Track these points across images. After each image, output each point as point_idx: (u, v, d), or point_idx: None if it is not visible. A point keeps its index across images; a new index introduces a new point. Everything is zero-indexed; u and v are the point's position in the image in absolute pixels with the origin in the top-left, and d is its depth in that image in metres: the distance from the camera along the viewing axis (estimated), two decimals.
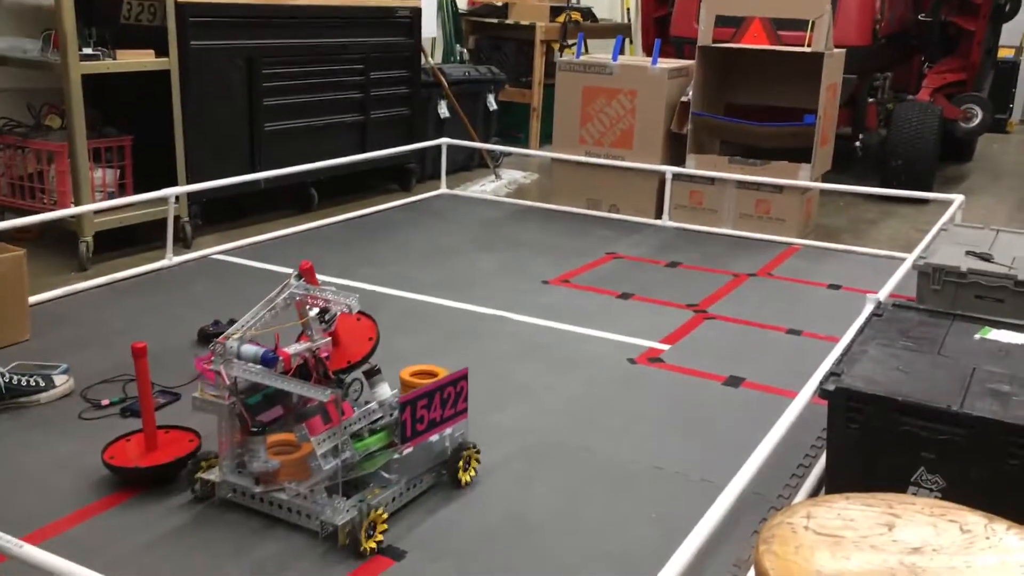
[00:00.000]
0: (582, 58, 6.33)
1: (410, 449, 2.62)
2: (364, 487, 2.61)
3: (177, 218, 4.92)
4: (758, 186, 5.82)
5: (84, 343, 3.76)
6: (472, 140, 7.19)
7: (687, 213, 6.02)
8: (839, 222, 6.36)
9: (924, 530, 1.68)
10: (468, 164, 7.57)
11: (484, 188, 7.01)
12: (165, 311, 4.15)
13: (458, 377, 2.71)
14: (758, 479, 2.60)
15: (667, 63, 6.17)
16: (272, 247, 5.20)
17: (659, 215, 6.06)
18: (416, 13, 6.58)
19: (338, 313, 2.62)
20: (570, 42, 8.37)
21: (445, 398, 2.66)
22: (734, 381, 3.64)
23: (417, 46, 6.67)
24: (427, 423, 2.62)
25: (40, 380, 3.24)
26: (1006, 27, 8.67)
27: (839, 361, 2.65)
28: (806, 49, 5.76)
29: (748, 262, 5.27)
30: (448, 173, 6.77)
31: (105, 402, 3.22)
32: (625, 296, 4.60)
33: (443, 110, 7.04)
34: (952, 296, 3.49)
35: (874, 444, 2.44)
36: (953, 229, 4.11)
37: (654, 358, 3.84)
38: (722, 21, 5.95)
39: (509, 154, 7.64)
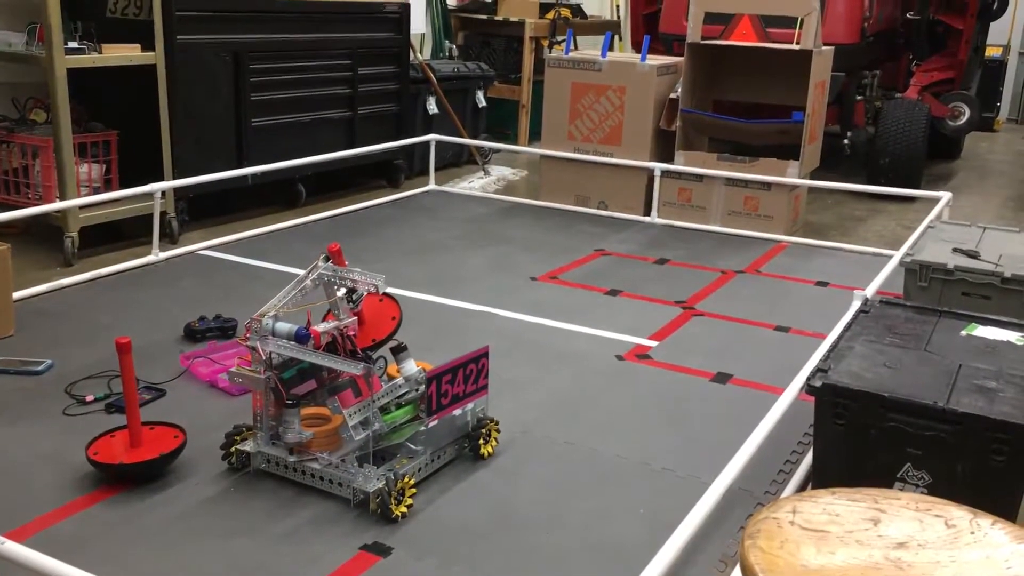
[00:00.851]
0: (571, 54, 6.32)
1: (435, 422, 2.76)
2: (391, 458, 2.75)
3: (163, 213, 4.89)
4: (746, 183, 5.83)
5: (69, 339, 3.73)
6: (461, 136, 7.18)
7: (675, 210, 6.02)
8: (827, 219, 6.37)
9: (909, 525, 1.68)
10: (457, 160, 7.56)
11: (472, 184, 7.00)
12: (151, 307, 4.13)
13: (480, 354, 2.85)
14: (745, 475, 2.61)
15: (656, 60, 6.17)
16: (259, 243, 5.18)
17: (647, 212, 6.06)
18: (405, 9, 6.56)
19: (365, 293, 2.73)
20: (559, 38, 8.36)
21: (468, 374, 2.82)
22: (722, 377, 3.64)
23: (406, 42, 6.65)
24: (451, 398, 2.77)
25: None
26: (993, 25, 8.71)
27: (826, 357, 2.65)
28: (795, 46, 5.77)
29: (736, 259, 5.28)
30: (436, 169, 6.76)
31: (89, 398, 3.20)
32: (613, 293, 4.59)
33: (432, 106, 7.03)
34: (939, 293, 3.50)
35: (861, 440, 2.44)
36: (940, 226, 4.12)
37: (642, 354, 3.83)
38: (711, 18, 5.95)
39: (498, 150, 7.63)
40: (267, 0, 5.56)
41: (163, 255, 4.78)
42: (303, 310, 2.73)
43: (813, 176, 6.21)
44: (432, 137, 6.64)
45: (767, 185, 5.79)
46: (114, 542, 2.46)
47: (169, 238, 5.01)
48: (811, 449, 2.69)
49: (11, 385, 3.31)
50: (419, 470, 2.75)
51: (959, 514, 1.71)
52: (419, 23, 7.94)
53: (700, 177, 5.93)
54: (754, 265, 5.19)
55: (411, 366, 2.82)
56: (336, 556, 2.43)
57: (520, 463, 2.95)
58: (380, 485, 2.58)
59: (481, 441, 2.91)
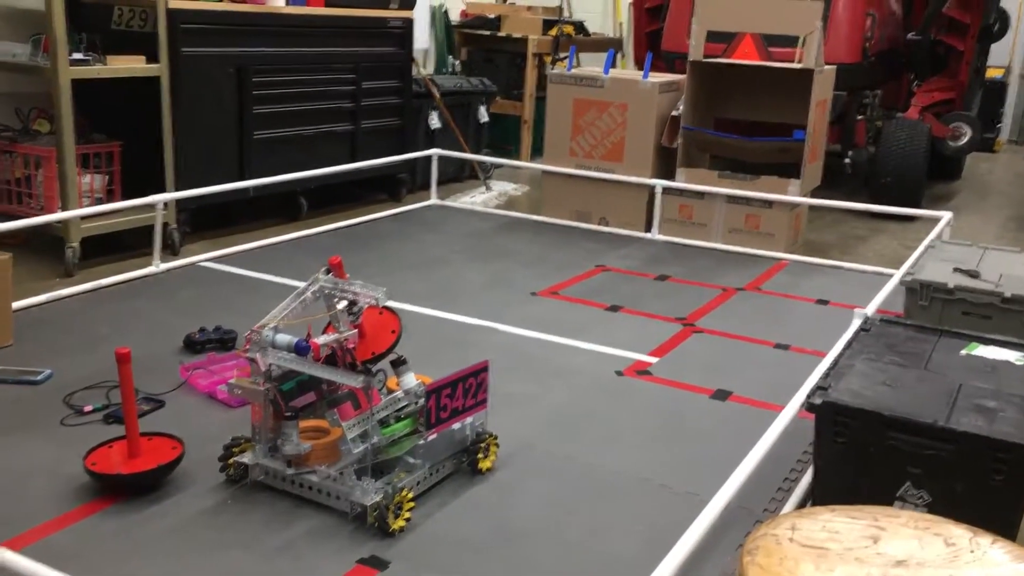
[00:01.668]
0: (573, 71, 6.34)
1: (434, 436, 2.76)
2: (390, 471, 2.74)
3: (165, 225, 4.90)
4: (747, 201, 5.84)
5: (68, 349, 3.73)
6: (463, 151, 7.19)
7: (676, 227, 6.03)
8: (828, 238, 6.38)
9: (909, 543, 1.67)
10: (459, 175, 7.57)
11: (474, 199, 7.01)
12: (151, 318, 4.13)
13: (480, 369, 2.85)
14: (744, 493, 2.60)
15: (658, 77, 6.19)
16: (260, 255, 5.18)
17: (648, 228, 6.06)
18: (408, 24, 6.58)
19: (365, 306, 2.73)
20: (562, 55, 8.39)
21: (467, 388, 2.81)
22: (721, 394, 3.64)
23: (409, 57, 6.68)
24: (450, 411, 2.76)
25: None
26: (994, 47, 8.74)
27: (826, 375, 2.65)
28: (796, 65, 5.79)
29: (737, 276, 5.28)
30: (438, 184, 6.77)
31: (88, 408, 3.19)
32: (614, 308, 4.59)
33: (434, 121, 7.05)
34: (939, 312, 3.50)
35: (860, 458, 2.44)
36: (941, 246, 4.12)
37: (642, 370, 3.83)
38: (713, 36, 5.97)
39: (500, 166, 7.65)
40: (271, 14, 5.58)
41: (164, 266, 4.78)
42: (304, 323, 2.73)
43: (814, 194, 6.21)
44: (434, 152, 6.66)
45: (768, 203, 5.80)
46: (111, 553, 2.45)
47: (170, 249, 5.02)
48: (811, 467, 2.68)
49: (10, 395, 3.31)
50: (417, 484, 2.75)
51: (959, 532, 1.70)
52: (423, 38, 7.96)
53: (701, 194, 5.94)
54: (755, 283, 5.19)
55: (411, 379, 2.81)
56: (333, 569, 2.42)
57: (518, 478, 2.94)
58: (378, 498, 2.57)
59: (480, 456, 2.91)
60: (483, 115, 7.65)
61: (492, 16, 8.67)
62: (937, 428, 2.33)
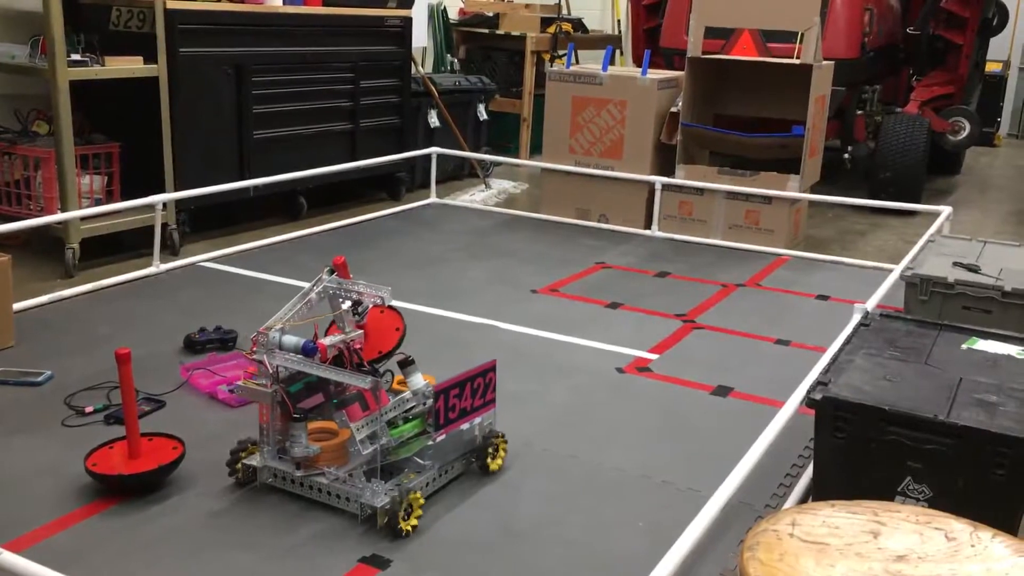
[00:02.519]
0: (572, 68, 6.33)
1: (443, 436, 2.74)
2: (399, 473, 2.72)
3: (165, 225, 4.90)
4: (747, 197, 5.84)
5: (69, 350, 3.73)
6: (462, 149, 7.19)
7: (676, 223, 6.02)
8: (828, 233, 6.38)
9: (909, 538, 1.67)
10: (458, 173, 7.57)
11: (474, 197, 7.01)
12: (151, 318, 4.13)
13: (487, 368, 2.83)
14: (745, 488, 2.60)
15: (657, 74, 6.19)
16: (260, 255, 5.18)
17: (648, 225, 6.06)
18: (407, 22, 6.58)
19: (370, 306, 2.72)
20: (560, 52, 8.39)
21: (475, 388, 2.79)
22: (722, 391, 3.64)
23: (408, 55, 6.67)
24: (458, 412, 2.74)
25: None
26: (993, 41, 8.73)
27: (826, 371, 2.64)
28: (795, 61, 5.78)
29: (737, 272, 5.28)
30: (438, 182, 6.76)
31: (88, 409, 3.20)
32: (614, 306, 4.59)
33: (433, 119, 7.04)
34: (939, 307, 3.50)
35: (861, 453, 2.44)
36: (941, 240, 4.12)
37: (642, 367, 3.83)
38: (712, 32, 5.97)
39: (499, 164, 7.64)
40: (269, 14, 5.58)
41: (164, 267, 4.78)
42: (308, 323, 2.73)
43: (814, 190, 6.21)
44: (433, 150, 6.65)
45: (768, 199, 5.79)
46: (112, 553, 2.45)
47: (170, 250, 5.02)
48: (811, 462, 2.68)
49: (10, 396, 3.31)
50: (426, 484, 2.74)
51: (959, 527, 1.70)
52: (421, 36, 7.96)
53: (701, 190, 5.94)
54: (755, 278, 5.19)
55: (418, 379, 2.81)
56: (334, 569, 2.42)
57: (521, 476, 2.94)
58: (388, 500, 2.56)
59: (489, 456, 2.90)
60: (482, 113, 7.64)
61: (490, 14, 8.66)
62: (938, 423, 2.33)
